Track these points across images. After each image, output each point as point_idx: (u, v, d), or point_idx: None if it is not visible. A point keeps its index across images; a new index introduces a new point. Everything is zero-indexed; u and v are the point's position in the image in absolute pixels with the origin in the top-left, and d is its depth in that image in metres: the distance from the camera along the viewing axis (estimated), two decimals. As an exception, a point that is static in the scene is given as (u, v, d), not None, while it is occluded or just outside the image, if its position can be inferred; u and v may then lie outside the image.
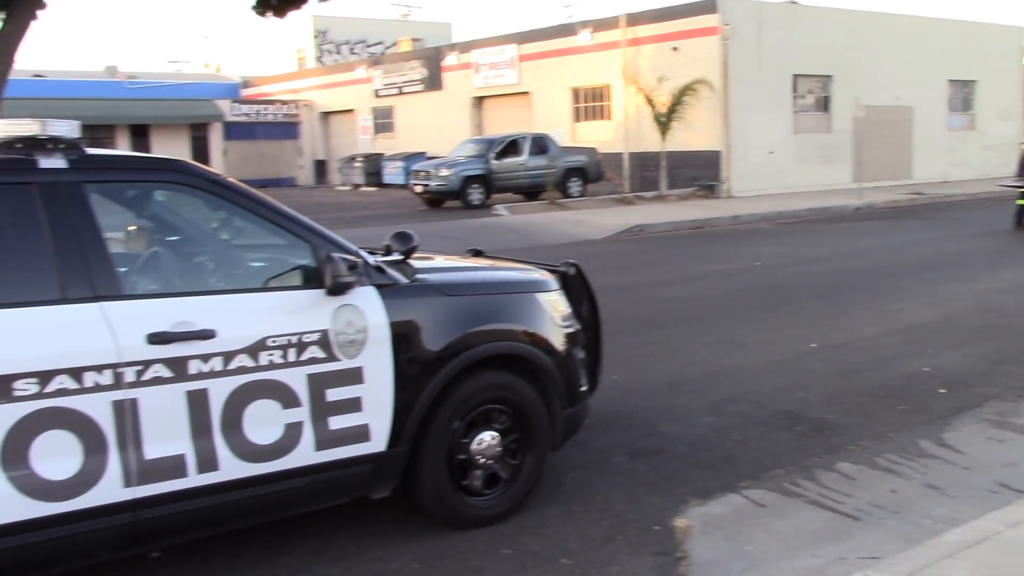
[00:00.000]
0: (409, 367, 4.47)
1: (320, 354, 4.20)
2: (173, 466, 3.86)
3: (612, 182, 29.78)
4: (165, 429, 3.84)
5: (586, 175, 28.79)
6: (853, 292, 11.75)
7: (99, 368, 3.66)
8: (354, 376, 4.31)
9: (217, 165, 45.54)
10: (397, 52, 46.85)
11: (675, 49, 28.66)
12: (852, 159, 27.05)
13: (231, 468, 3.99)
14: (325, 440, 4.24)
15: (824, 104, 30.88)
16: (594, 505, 5.09)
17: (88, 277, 3.74)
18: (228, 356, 3.96)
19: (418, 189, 27.76)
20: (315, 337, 4.19)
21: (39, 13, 15.25)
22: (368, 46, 56.64)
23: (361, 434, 4.35)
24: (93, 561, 3.96)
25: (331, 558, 4.49)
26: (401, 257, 4.62)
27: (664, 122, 26.64)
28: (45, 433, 3.57)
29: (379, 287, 4.44)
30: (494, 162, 27.46)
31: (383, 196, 34.21)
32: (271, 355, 4.07)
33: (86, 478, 3.66)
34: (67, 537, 3.67)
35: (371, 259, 4.50)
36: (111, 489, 3.72)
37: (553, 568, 4.38)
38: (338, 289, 4.20)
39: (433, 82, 39.52)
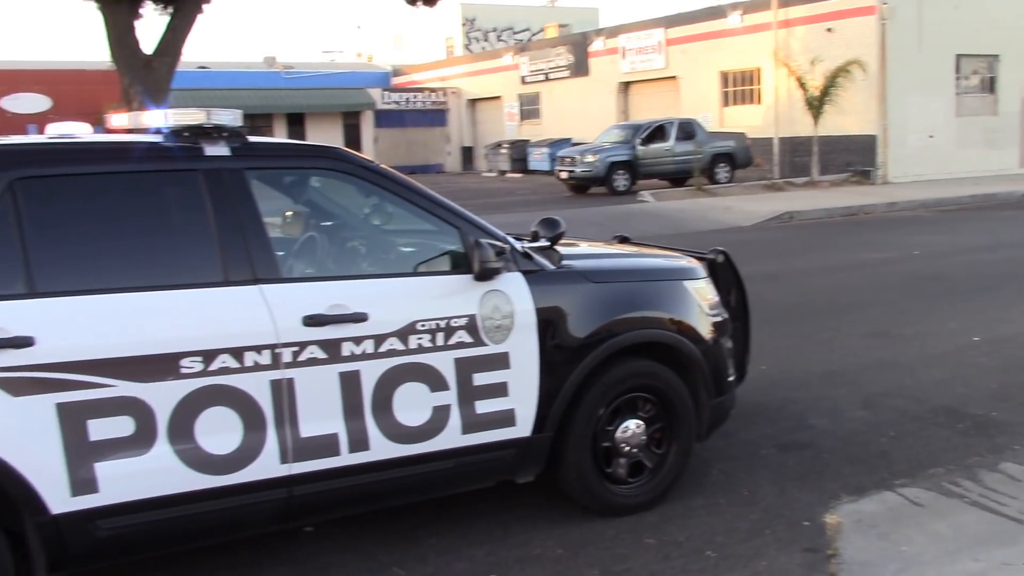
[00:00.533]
0: (555, 353, 4.48)
1: (468, 339, 4.26)
2: (327, 445, 3.98)
3: (761, 168, 29.09)
4: (319, 409, 3.96)
5: (734, 161, 28.21)
6: (1021, 283, 11.13)
7: (259, 348, 3.81)
8: (501, 361, 4.35)
9: (368, 152, 46.67)
10: (544, 38, 46.97)
11: (829, 30, 27.72)
12: (1020, 143, 25.60)
13: (381, 448, 4.09)
14: (471, 424, 4.29)
15: (990, 85, 29.31)
16: (741, 498, 5.00)
17: (249, 261, 3.88)
18: (379, 339, 4.05)
19: (563, 175, 27.78)
20: (463, 322, 4.24)
21: (205, 7, 15.97)
22: (515, 33, 56.98)
23: (507, 419, 4.39)
24: (250, 533, 4.14)
25: (475, 541, 4.55)
26: (548, 243, 4.62)
27: (816, 106, 25.81)
28: (208, 410, 3.74)
29: (526, 273, 4.45)
30: (640, 148, 27.22)
31: (528, 182, 34.38)
32: (420, 339, 4.15)
33: (246, 454, 3.81)
34: (227, 509, 3.83)
35: (518, 245, 4.53)
36: (269, 465, 3.86)
37: (697, 560, 4.32)
38: (486, 275, 4.24)
39: (579, 68, 39.44)
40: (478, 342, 4.28)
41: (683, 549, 4.43)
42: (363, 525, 4.68)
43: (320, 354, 3.94)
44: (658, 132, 27.73)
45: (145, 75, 15.35)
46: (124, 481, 3.60)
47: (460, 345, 4.24)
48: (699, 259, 5.64)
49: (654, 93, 35.70)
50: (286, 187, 4.82)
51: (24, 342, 3.42)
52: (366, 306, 4.04)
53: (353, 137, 46.80)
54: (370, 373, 4.05)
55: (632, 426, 4.78)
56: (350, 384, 4.01)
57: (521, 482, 4.67)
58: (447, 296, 4.26)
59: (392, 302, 4.14)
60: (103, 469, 3.56)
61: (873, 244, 15.55)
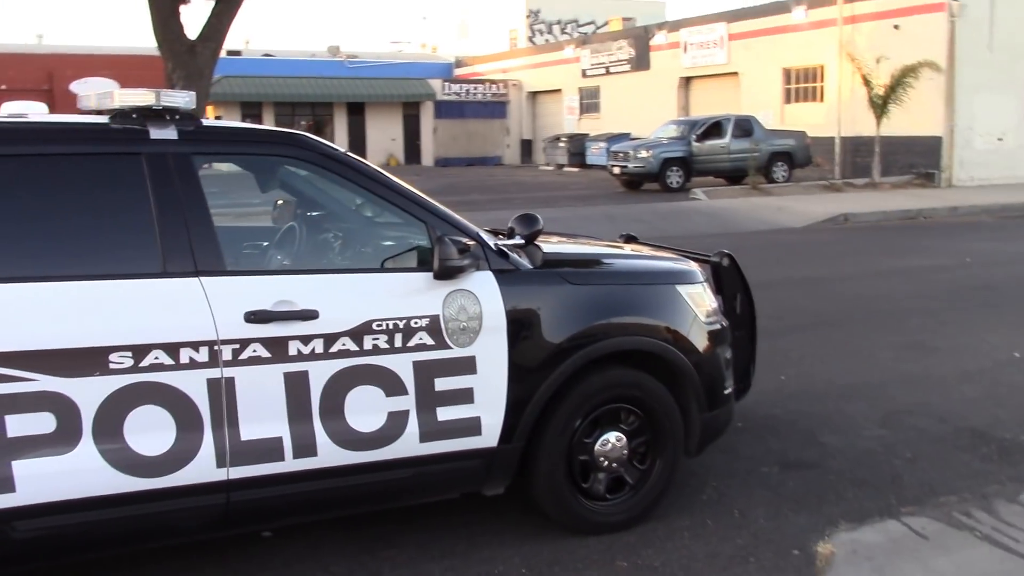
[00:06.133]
0: (526, 358, 4.19)
1: (429, 340, 3.98)
2: (269, 449, 3.74)
3: (821, 167, 28.34)
4: (261, 410, 3.72)
5: (793, 160, 27.51)
6: (1076, 296, 10.53)
7: (195, 345, 3.58)
8: (465, 366, 4.07)
9: (427, 143, 46.73)
10: (606, 31, 46.46)
11: (896, 27, 26.87)
12: (1095, 148, 24.55)
13: (330, 454, 3.84)
14: (431, 431, 4.02)
15: (1066, 87, 28.13)
16: (730, 520, 4.66)
17: (190, 251, 3.65)
18: (330, 338, 3.80)
19: (616, 170, 27.36)
20: (424, 323, 3.97)
21: (249, -7, 15.83)
22: (579, 26, 56.40)
23: (471, 427, 4.11)
24: (189, 539, 3.91)
25: (437, 554, 4.29)
26: (522, 241, 4.33)
27: (881, 105, 24.96)
28: (140, 408, 3.52)
29: (498, 272, 4.17)
30: (695, 144, 26.67)
31: (584, 177, 34.00)
32: (376, 339, 3.88)
33: (179, 456, 3.59)
34: (159, 513, 3.61)
35: (492, 242, 4.25)
36: (204, 468, 3.63)
37: (670, 587, 4.01)
38: (446, 273, 3.95)
39: (641, 62, 38.91)
40: (441, 344, 4.01)
41: (657, 574, 4.12)
42: (326, 530, 4.45)
43: (263, 352, 3.70)
44: (714, 128, 27.13)
45: (188, 60, 15.29)
46: (43, 481, 3.40)
47: (420, 347, 3.97)
48: (703, 262, 5.32)
49: (715, 89, 35.06)
50: (255, 175, 4.58)
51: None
52: (316, 303, 3.79)
53: (412, 127, 46.88)
54: (319, 374, 3.80)
55: (612, 439, 4.47)
56: (296, 385, 3.77)
57: (489, 494, 4.39)
58: (408, 295, 3.98)
59: (346, 299, 3.88)
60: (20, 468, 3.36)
61: (927, 250, 14.94)
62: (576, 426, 4.37)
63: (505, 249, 4.27)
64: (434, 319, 3.99)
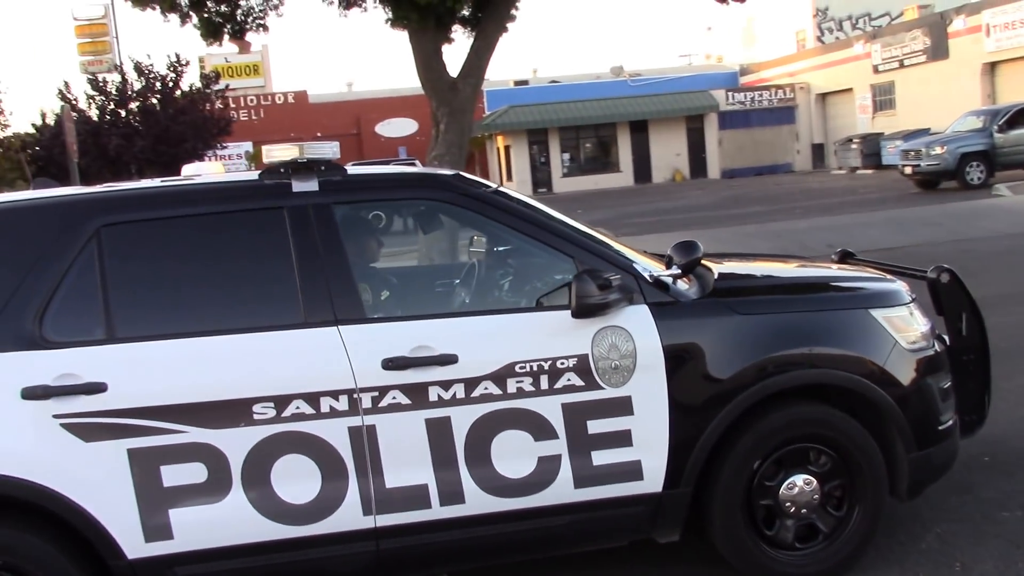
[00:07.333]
0: (690, 397, 3.89)
1: (578, 381, 3.79)
2: (415, 496, 3.70)
3: None
4: (405, 458, 3.69)
5: (1123, 143, 24.34)
6: None
7: (335, 394, 3.61)
8: (621, 406, 3.83)
9: (712, 155, 45.92)
10: (900, 23, 43.57)
11: None
12: None
13: (478, 502, 3.74)
14: (587, 476, 3.82)
15: None
16: (948, 574, 4.08)
17: (329, 301, 3.70)
18: (471, 383, 3.71)
19: (908, 170, 25.44)
20: (572, 363, 3.78)
21: (509, 26, 16.28)
22: (872, 19, 53.26)
23: (631, 471, 3.86)
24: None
25: (608, 605, 4.07)
26: (679, 271, 4.02)
27: None
28: (284, 457, 3.60)
29: (655, 305, 3.91)
30: (998, 135, 24.25)
31: (877, 179, 32.01)
32: (520, 382, 3.75)
33: (325, 504, 3.63)
34: (311, 560, 3.67)
35: (648, 274, 3.98)
36: (350, 516, 3.65)
37: (858, 654, 3.55)
38: (584, 311, 3.73)
39: (938, 51, 36.12)
40: (592, 385, 3.80)
41: (847, 637, 3.67)
42: (500, 576, 4.35)
43: (404, 399, 3.67)
44: (1020, 116, 24.56)
45: (451, 97, 15.87)
46: (198, 528, 3.55)
47: (569, 389, 3.78)
48: (918, 279, 4.75)
49: (1025, 72, 31.87)
50: (413, 218, 4.60)
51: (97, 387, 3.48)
52: (455, 347, 3.71)
53: (696, 141, 46.25)
54: (462, 420, 3.72)
55: (800, 482, 4.05)
56: (439, 432, 3.71)
57: (663, 541, 4.10)
58: (554, 334, 3.81)
59: (486, 342, 3.78)
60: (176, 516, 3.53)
61: None
62: (755, 468, 4.00)
63: (665, 280, 3.99)
64: (583, 358, 3.79)
